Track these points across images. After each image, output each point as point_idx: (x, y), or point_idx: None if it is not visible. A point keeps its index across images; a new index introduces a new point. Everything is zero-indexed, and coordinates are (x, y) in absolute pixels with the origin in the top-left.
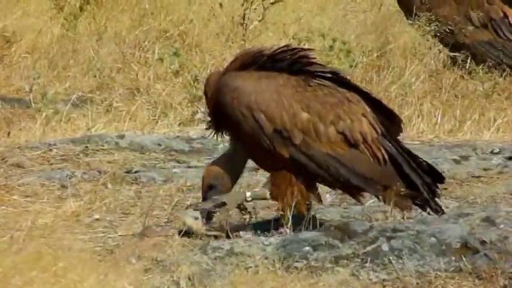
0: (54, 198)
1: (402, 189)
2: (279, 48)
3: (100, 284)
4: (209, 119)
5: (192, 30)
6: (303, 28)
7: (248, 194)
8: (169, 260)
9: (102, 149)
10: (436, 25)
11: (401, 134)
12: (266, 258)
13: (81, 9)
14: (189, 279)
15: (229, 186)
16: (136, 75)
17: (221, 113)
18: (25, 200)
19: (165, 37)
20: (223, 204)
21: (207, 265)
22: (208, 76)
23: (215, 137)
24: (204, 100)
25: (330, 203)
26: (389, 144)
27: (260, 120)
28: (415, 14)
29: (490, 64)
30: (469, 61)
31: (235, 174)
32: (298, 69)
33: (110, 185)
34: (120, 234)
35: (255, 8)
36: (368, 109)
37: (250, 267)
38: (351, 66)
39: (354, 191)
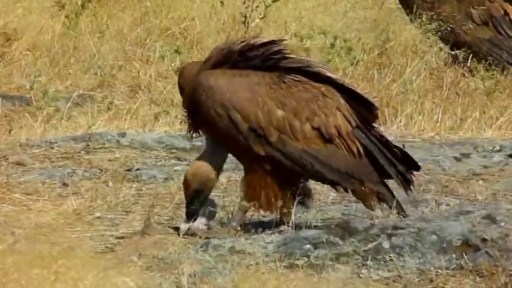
0: (55, 196)
1: (372, 186)
2: (248, 44)
3: (101, 281)
4: (186, 116)
5: (194, 28)
6: (304, 26)
7: (233, 224)
8: (171, 258)
9: (103, 147)
10: (437, 23)
11: (377, 121)
12: (267, 256)
13: (82, 6)
14: (191, 277)
15: (213, 186)
16: (138, 73)
17: (197, 112)
18: (26, 198)
19: (167, 35)
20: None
21: (208, 263)
22: (182, 68)
23: (193, 135)
24: None
25: (331, 201)
26: (364, 136)
27: (235, 119)
28: (416, 12)
29: (491, 62)
30: (470, 59)
31: (218, 172)
32: (272, 65)
33: (111, 183)
34: (121, 232)
35: (257, 6)
36: (343, 102)
37: (252, 265)
38: (352, 64)
39: (330, 185)
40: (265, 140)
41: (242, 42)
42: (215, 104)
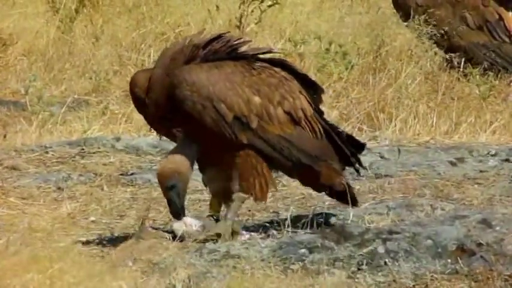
0: (50, 200)
1: (337, 166)
2: (203, 39)
3: (96, 286)
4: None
5: (189, 33)
6: (299, 30)
7: (229, 215)
8: (166, 263)
9: (98, 151)
10: (432, 27)
11: (322, 103)
12: (262, 260)
13: (76, 11)
14: (185, 281)
15: (188, 179)
16: None
17: (178, 110)
18: (21, 203)
19: (162, 40)
20: (218, 235)
21: (203, 267)
22: (133, 79)
23: (161, 138)
24: None
25: (327, 206)
26: (320, 118)
27: (221, 110)
28: (411, 16)
29: (486, 66)
30: (464, 63)
31: (189, 163)
32: (236, 55)
33: (105, 187)
34: (116, 236)
35: (252, 11)
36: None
37: (247, 269)
38: (346, 68)
39: (302, 171)
40: (247, 127)
41: (192, 38)
42: (200, 97)
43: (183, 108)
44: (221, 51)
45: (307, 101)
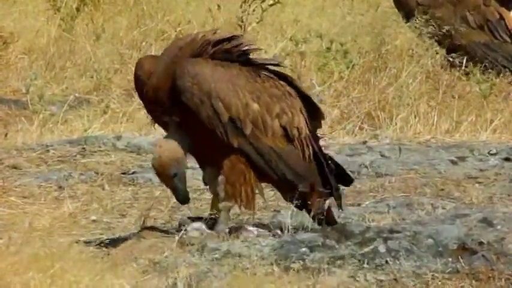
0: (51, 199)
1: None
2: (216, 37)
3: (97, 284)
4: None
5: (190, 31)
6: (300, 29)
7: (219, 228)
8: (167, 262)
9: (99, 150)
10: (433, 26)
11: (319, 129)
12: (263, 259)
13: (77, 10)
14: (186, 280)
15: (186, 164)
16: None
17: (176, 99)
18: (22, 202)
19: (163, 38)
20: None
21: (204, 266)
22: (140, 60)
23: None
24: None
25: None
26: (314, 142)
27: (217, 107)
28: (412, 15)
29: (487, 65)
30: (465, 62)
31: (184, 151)
32: (245, 60)
33: (106, 186)
34: (117, 235)
35: (253, 10)
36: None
37: (248, 268)
38: (347, 67)
39: (286, 187)
40: (241, 132)
41: (205, 34)
42: (200, 91)
43: (181, 99)
44: (231, 52)
45: (305, 121)
